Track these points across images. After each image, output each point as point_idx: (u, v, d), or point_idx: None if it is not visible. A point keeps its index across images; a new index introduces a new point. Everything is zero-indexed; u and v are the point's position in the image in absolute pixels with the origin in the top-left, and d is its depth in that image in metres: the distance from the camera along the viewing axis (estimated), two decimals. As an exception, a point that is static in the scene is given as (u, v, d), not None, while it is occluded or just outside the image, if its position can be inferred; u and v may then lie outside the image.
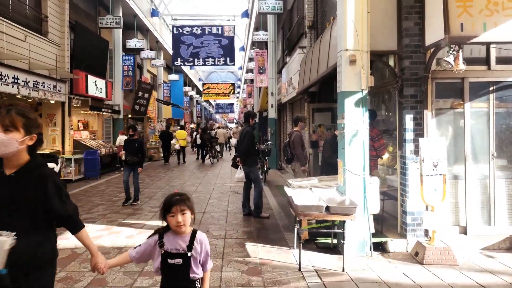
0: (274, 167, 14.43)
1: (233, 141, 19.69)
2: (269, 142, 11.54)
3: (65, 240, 5.46)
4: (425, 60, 5.21)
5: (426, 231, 5.22)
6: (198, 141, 18.98)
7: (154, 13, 19.26)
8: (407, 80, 5.23)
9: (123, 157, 8.11)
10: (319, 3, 10.43)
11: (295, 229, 4.97)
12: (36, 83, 10.06)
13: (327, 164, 6.38)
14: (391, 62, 5.77)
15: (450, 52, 4.55)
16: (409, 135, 5.26)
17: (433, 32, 4.85)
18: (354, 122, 4.96)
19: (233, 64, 18.04)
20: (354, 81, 4.95)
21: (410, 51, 5.22)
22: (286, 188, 5.27)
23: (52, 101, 10.84)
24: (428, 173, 4.89)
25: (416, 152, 5.20)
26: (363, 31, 4.93)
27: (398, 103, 5.42)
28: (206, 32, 17.33)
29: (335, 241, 5.31)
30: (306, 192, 5.06)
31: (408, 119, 5.26)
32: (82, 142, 13.26)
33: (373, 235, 5.15)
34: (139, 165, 8.29)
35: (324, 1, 10.23)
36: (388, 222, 5.93)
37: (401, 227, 5.44)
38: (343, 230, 4.55)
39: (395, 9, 5.31)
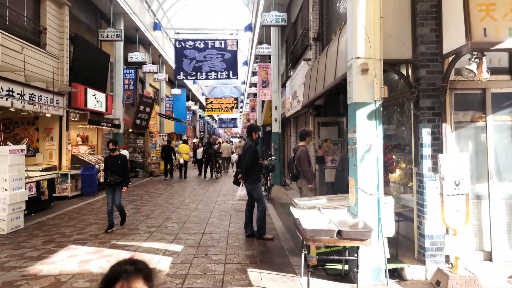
0: (278, 183, 13.96)
1: (234, 156, 19.13)
2: (273, 157, 11.12)
3: (49, 265, 5.02)
4: (443, 69, 4.81)
5: (447, 257, 4.74)
6: (199, 156, 18.54)
7: (156, 26, 19.12)
8: (424, 91, 4.82)
9: (102, 179, 7.15)
10: (325, 15, 10.13)
11: (303, 254, 4.50)
12: (32, 96, 9.73)
13: (346, 186, 5.80)
14: (404, 72, 5.37)
15: (472, 59, 4.14)
16: (427, 150, 4.82)
17: (452, 38, 4.47)
18: (367, 136, 4.53)
19: (236, 78, 17.74)
20: (366, 91, 4.54)
21: (427, 60, 4.82)
22: (292, 209, 4.80)
23: (48, 115, 10.48)
24: (449, 193, 4.42)
25: (434, 169, 4.76)
26: (376, 38, 4.54)
27: (414, 116, 4.99)
28: (209, 46, 17.10)
29: (346, 267, 4.82)
30: (315, 214, 4.60)
31: (425, 133, 4.83)
32: (80, 157, 12.85)
33: (388, 260, 4.66)
34: (123, 184, 7.24)
35: (329, 12, 9.93)
36: (403, 246, 5.44)
37: (419, 252, 4.95)
38: (357, 257, 4.08)
39: (409, 15, 4.94)
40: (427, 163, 4.81)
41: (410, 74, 5.13)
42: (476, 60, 4.14)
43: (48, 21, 10.77)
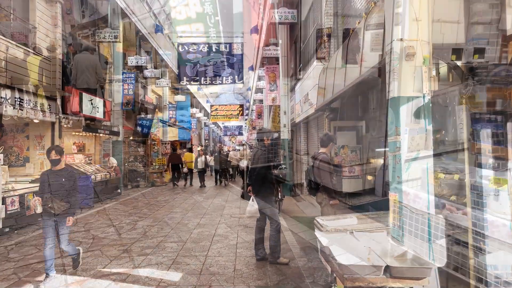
0: (288, 193, 12.93)
1: (243, 163, 18.00)
2: (283, 166, 10.11)
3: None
4: (507, 54, 3.82)
5: (517, 294, 3.70)
6: (200, 165, 17.57)
7: (158, 29, 18.27)
8: (481, 83, 3.83)
9: (39, 209, 4.36)
10: (340, 9, 9.21)
11: (332, 291, 3.50)
12: (18, 100, 8.82)
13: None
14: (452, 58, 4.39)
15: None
16: (486, 158, 3.81)
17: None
18: (414, 140, 3.53)
19: (242, 83, 16.82)
20: (412, 82, 3.55)
21: (485, 43, 3.84)
22: (317, 233, 3.79)
23: (36, 121, 9.56)
24: (523, 213, 3.41)
25: (496, 181, 3.74)
26: (423, 14, 3.56)
27: (467, 114, 3.99)
28: (213, 50, 16.27)
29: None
30: (348, 239, 3.59)
31: (483, 135, 3.82)
32: (75, 167, 11.96)
33: (439, 297, 3.64)
34: (69, 213, 4.77)
35: (345, 6, 9.01)
36: (451, 276, 4.41)
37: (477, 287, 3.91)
38: (409, 300, 3.07)
39: (461, -12, 3.98)
40: (487, 173, 3.80)
41: (462, 61, 4.14)
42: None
43: (38, 19, 9.90)
